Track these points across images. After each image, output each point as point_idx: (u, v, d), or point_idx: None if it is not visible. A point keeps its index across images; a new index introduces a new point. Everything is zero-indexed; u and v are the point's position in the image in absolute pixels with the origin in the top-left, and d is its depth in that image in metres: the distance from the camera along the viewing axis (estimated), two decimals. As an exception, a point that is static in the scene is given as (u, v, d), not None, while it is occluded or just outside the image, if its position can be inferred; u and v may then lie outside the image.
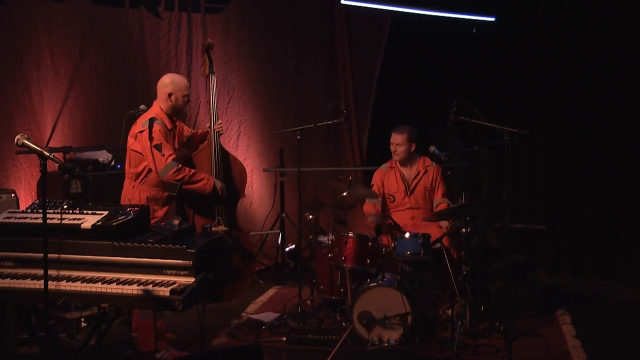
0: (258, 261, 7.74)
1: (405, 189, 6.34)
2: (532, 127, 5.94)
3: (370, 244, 5.78)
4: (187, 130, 5.74)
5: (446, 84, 7.88)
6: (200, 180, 5.31)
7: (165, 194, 5.24)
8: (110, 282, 3.61)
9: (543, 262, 7.67)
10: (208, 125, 5.75)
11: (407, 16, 8.24)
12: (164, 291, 3.48)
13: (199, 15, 7.76)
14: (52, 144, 6.71)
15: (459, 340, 5.25)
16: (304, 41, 8.55)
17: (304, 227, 6.54)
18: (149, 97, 5.41)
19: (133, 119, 5.17)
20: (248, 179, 7.94)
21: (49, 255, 3.46)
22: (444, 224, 6.13)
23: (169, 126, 5.26)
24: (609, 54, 7.27)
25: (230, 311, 6.22)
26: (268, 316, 6.04)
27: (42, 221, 3.44)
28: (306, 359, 5.30)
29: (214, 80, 5.82)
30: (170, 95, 5.25)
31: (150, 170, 5.17)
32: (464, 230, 5.54)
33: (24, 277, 3.74)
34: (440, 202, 6.34)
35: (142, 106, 5.06)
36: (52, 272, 3.63)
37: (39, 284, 3.57)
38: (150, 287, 3.52)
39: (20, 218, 3.95)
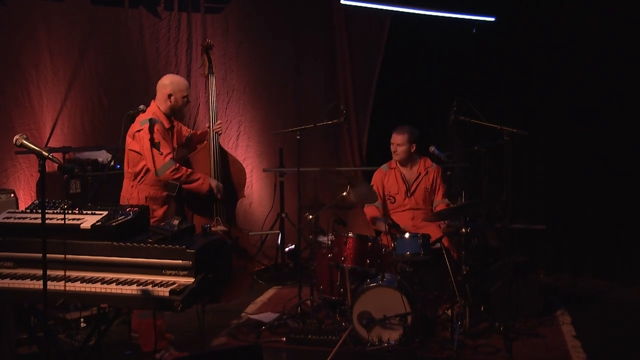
0: (258, 261, 7.73)
1: (406, 190, 6.33)
2: (532, 127, 5.93)
3: (370, 244, 5.78)
4: (186, 131, 5.74)
5: (446, 84, 7.87)
6: (197, 180, 5.32)
7: (164, 193, 5.24)
8: (109, 282, 3.61)
9: (543, 262, 7.66)
10: (207, 125, 5.75)
11: (406, 16, 8.23)
12: (164, 291, 3.48)
13: (199, 15, 7.75)
14: (51, 144, 6.70)
15: (458, 341, 5.25)
16: (303, 41, 8.54)
17: (303, 227, 6.54)
18: (149, 97, 5.41)
19: (132, 119, 5.17)
20: (248, 179, 7.95)
21: (48, 255, 3.45)
22: (443, 223, 6.13)
23: (167, 126, 5.27)
24: (608, 53, 7.26)
25: (229, 311, 6.22)
26: (268, 316, 6.04)
27: (41, 221, 3.43)
28: (306, 359, 5.29)
29: (213, 80, 5.82)
30: (169, 96, 5.25)
31: (148, 170, 5.17)
32: (463, 230, 5.54)
33: (23, 277, 3.74)
34: (439, 203, 6.33)
35: (141, 106, 5.06)
36: (52, 273, 3.62)
37: (38, 284, 3.57)
38: (149, 287, 3.52)
39: (19, 218, 3.95)
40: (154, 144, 5.07)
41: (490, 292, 5.99)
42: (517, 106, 7.66)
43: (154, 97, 5.37)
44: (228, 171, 5.76)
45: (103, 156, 6.45)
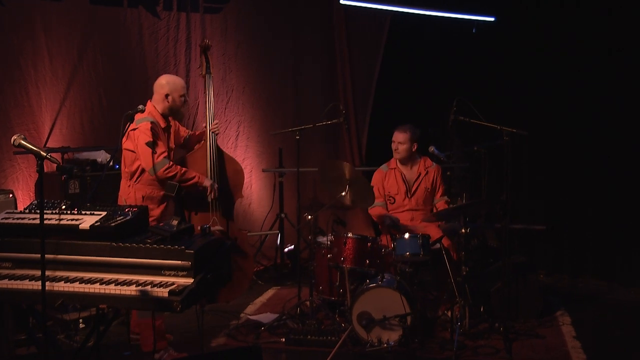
0: (257, 262, 7.72)
1: (406, 191, 6.32)
2: (531, 127, 5.92)
3: (369, 244, 5.77)
4: (184, 131, 5.74)
5: (446, 84, 7.86)
6: (192, 179, 5.32)
7: (162, 192, 5.25)
8: (108, 282, 3.59)
9: (543, 262, 7.65)
10: (204, 125, 5.75)
11: (406, 16, 8.22)
12: (163, 292, 3.46)
13: (198, 15, 7.75)
14: (50, 144, 6.70)
15: (458, 341, 5.24)
16: (303, 41, 8.54)
17: (303, 227, 6.53)
18: (148, 97, 5.40)
19: (131, 119, 5.16)
20: (247, 180, 7.94)
21: (47, 256, 3.44)
22: (442, 223, 6.14)
23: (163, 125, 5.26)
24: (608, 53, 7.26)
25: (229, 312, 6.21)
26: (267, 317, 6.03)
27: (40, 222, 3.42)
28: (305, 360, 5.29)
29: (210, 80, 5.83)
30: (167, 96, 5.25)
31: (144, 169, 5.16)
32: (463, 230, 5.53)
33: (21, 277, 3.72)
34: (439, 201, 6.34)
35: (140, 106, 5.04)
36: (50, 273, 3.62)
37: (37, 285, 3.55)
38: (148, 287, 3.51)
39: (18, 218, 3.93)
40: (148, 143, 5.07)
41: (490, 292, 5.99)
42: (517, 106, 7.65)
43: (152, 97, 5.36)
44: (225, 171, 5.76)
45: (102, 156, 6.44)
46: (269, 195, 8.23)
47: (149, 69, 7.30)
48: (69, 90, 6.92)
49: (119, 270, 3.68)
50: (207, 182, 5.48)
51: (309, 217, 5.80)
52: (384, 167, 6.48)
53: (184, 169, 5.32)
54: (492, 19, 8.09)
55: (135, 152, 5.15)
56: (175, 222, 3.87)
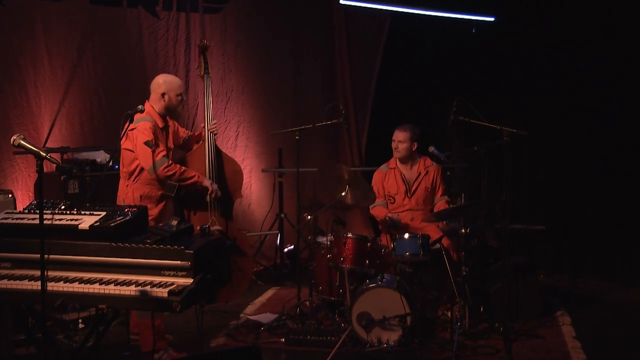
0: (256, 262, 7.72)
1: (406, 190, 6.31)
2: (532, 127, 5.92)
3: (369, 244, 5.76)
4: (183, 132, 5.74)
5: (445, 84, 7.86)
6: (191, 178, 5.32)
7: (160, 192, 5.25)
8: (108, 283, 3.59)
9: (543, 262, 7.64)
10: (202, 125, 5.75)
11: (406, 16, 8.22)
12: (162, 292, 3.46)
13: (197, 15, 7.75)
14: (49, 145, 6.69)
15: (458, 341, 5.23)
16: (302, 41, 8.54)
17: (302, 227, 6.52)
18: (147, 97, 5.39)
19: (130, 119, 5.16)
20: (246, 180, 7.94)
21: (46, 256, 3.43)
22: (442, 224, 6.13)
23: (160, 125, 5.26)
24: (608, 53, 7.25)
25: (228, 312, 6.20)
26: (267, 317, 6.02)
27: (39, 222, 3.41)
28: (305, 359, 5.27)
29: (209, 80, 5.83)
30: (163, 95, 5.26)
31: (143, 169, 5.16)
32: (463, 230, 5.52)
33: (21, 278, 3.71)
34: (439, 200, 6.33)
35: (139, 106, 5.03)
36: (50, 273, 3.61)
37: (36, 285, 3.54)
38: (148, 288, 3.50)
39: (17, 219, 3.92)
40: (147, 142, 5.07)
41: (490, 292, 5.98)
42: (516, 106, 7.64)
43: (149, 97, 5.36)
44: (224, 171, 5.76)
45: (101, 156, 6.43)
46: (268, 196, 8.23)
47: (149, 69, 7.30)
48: (68, 91, 6.92)
49: (119, 270, 3.67)
50: (207, 182, 5.47)
51: (309, 217, 5.80)
52: (383, 167, 6.48)
53: (183, 167, 5.32)
54: (492, 19, 8.09)
55: (133, 152, 5.15)
56: (174, 222, 3.86)
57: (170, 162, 5.21)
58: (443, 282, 5.91)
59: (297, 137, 6.11)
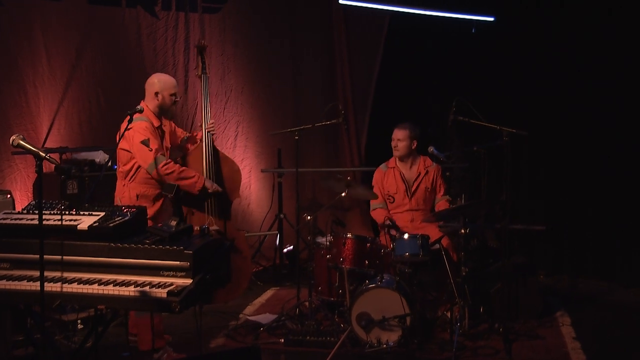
0: (256, 262, 7.72)
1: (406, 190, 6.30)
2: (532, 127, 5.91)
3: (368, 245, 5.75)
4: (180, 132, 5.74)
5: (445, 84, 7.85)
6: (191, 178, 5.31)
7: (157, 191, 5.24)
8: (107, 283, 3.58)
9: (543, 263, 7.63)
10: (200, 124, 5.74)
11: (405, 16, 8.22)
12: (161, 292, 3.46)
13: (196, 15, 7.74)
14: (48, 145, 6.68)
15: (458, 342, 5.22)
16: (302, 41, 8.53)
17: (302, 228, 6.51)
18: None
19: (130, 119, 5.15)
20: (246, 180, 7.93)
21: (45, 256, 3.42)
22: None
23: (156, 124, 5.25)
24: (609, 53, 7.25)
25: (227, 313, 6.19)
26: (266, 318, 6.01)
27: (38, 222, 3.40)
28: (304, 360, 5.27)
29: (206, 80, 5.83)
30: (157, 94, 5.26)
31: (139, 168, 5.17)
32: (463, 231, 5.51)
33: (19, 278, 3.71)
34: (440, 199, 6.33)
35: (139, 106, 5.04)
36: (48, 274, 3.60)
37: (35, 286, 3.54)
38: (147, 288, 3.50)
39: (16, 219, 3.92)
40: (143, 141, 5.07)
41: (490, 293, 5.97)
42: (516, 106, 7.64)
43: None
44: (221, 171, 5.75)
45: (100, 156, 6.42)
46: (268, 196, 8.22)
47: (148, 69, 7.27)
48: (67, 91, 6.90)
49: (118, 270, 3.67)
50: (208, 183, 5.47)
51: (308, 217, 5.79)
52: (383, 166, 6.47)
53: (182, 167, 5.32)
54: (491, 19, 8.08)
55: (130, 152, 5.15)
56: (173, 223, 3.86)
57: (169, 160, 5.21)
58: (443, 283, 5.91)
59: (296, 137, 6.10)
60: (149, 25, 7.41)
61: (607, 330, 5.90)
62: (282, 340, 5.48)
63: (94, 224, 3.75)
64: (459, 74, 7.94)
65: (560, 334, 5.74)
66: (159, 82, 5.29)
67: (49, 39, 6.78)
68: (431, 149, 5.98)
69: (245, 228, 7.66)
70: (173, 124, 5.62)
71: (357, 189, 5.94)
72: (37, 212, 3.43)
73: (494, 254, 6.93)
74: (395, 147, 6.31)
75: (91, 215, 3.86)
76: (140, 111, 4.92)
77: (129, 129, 5.09)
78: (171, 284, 3.51)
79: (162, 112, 5.32)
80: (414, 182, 6.31)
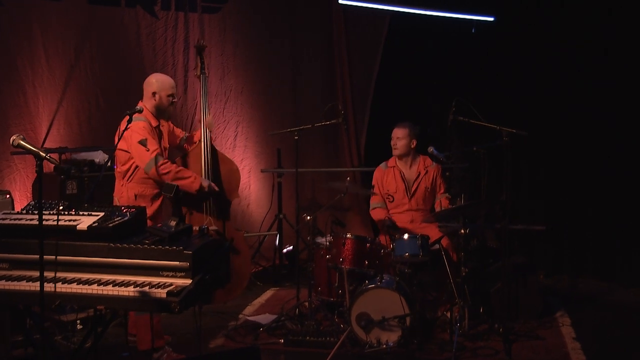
0: (255, 263, 7.71)
1: (405, 189, 6.30)
2: (532, 127, 5.91)
3: (368, 245, 5.75)
4: (180, 132, 5.73)
5: (445, 84, 7.85)
6: (188, 178, 5.30)
7: (155, 191, 5.24)
8: (106, 283, 3.57)
9: (543, 263, 7.63)
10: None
11: (405, 16, 8.21)
12: (161, 293, 3.45)
13: (196, 15, 7.73)
14: (47, 145, 6.68)
15: (457, 342, 5.22)
16: (301, 41, 8.52)
17: (301, 228, 6.51)
18: (145, 97, 5.39)
19: (129, 119, 5.14)
20: (245, 180, 7.93)
21: (45, 256, 3.41)
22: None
23: (154, 124, 5.24)
24: (609, 53, 7.25)
25: (227, 313, 6.19)
26: (265, 318, 6.01)
27: (37, 222, 3.39)
28: (304, 361, 5.27)
29: (205, 81, 5.84)
30: (154, 94, 5.25)
31: (137, 168, 5.17)
32: (462, 231, 5.51)
33: (19, 279, 3.70)
34: (441, 197, 6.33)
35: (138, 106, 5.04)
36: (48, 274, 3.58)
37: (34, 286, 3.53)
38: (146, 288, 3.49)
39: (15, 219, 3.91)
40: (140, 141, 5.07)
41: (490, 293, 5.97)
42: (516, 106, 7.63)
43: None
44: (219, 171, 5.75)
45: (100, 157, 6.41)
46: (267, 196, 8.21)
47: (147, 69, 7.26)
48: (66, 91, 6.89)
49: (117, 271, 3.66)
50: (205, 183, 5.46)
51: (308, 217, 5.78)
52: (383, 165, 6.47)
53: (179, 167, 5.32)
54: (491, 19, 8.08)
55: (128, 152, 5.14)
56: (173, 223, 3.86)
57: (166, 160, 5.19)
58: (442, 283, 5.91)
59: (296, 137, 6.10)
60: (149, 25, 7.41)
61: (607, 330, 5.90)
62: (282, 341, 5.48)
63: (94, 224, 3.74)
64: (459, 74, 7.93)
65: (560, 334, 5.74)
66: (156, 82, 5.28)
67: (48, 39, 6.78)
68: (431, 149, 5.98)
69: (245, 228, 7.66)
70: (171, 124, 5.62)
71: (356, 189, 5.92)
72: (36, 212, 3.42)
73: (493, 254, 6.93)
74: (394, 145, 6.30)
75: (90, 215, 3.86)
76: (140, 111, 4.92)
77: (126, 129, 5.08)
78: (171, 284, 3.51)
79: (159, 112, 5.31)
80: (413, 181, 6.30)
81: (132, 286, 3.52)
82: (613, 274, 7.32)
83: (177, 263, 3.56)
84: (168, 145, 5.48)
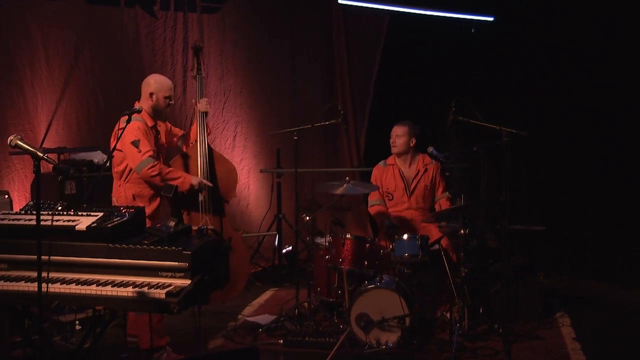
0: (255, 263, 7.71)
1: (405, 188, 6.30)
2: (532, 127, 5.90)
3: (367, 245, 5.74)
4: (177, 131, 5.73)
5: (444, 84, 7.85)
6: (177, 178, 5.27)
7: (153, 190, 5.22)
8: (105, 284, 3.56)
9: (542, 263, 7.62)
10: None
11: (405, 16, 8.20)
12: (160, 293, 3.44)
13: (195, 14, 7.72)
14: (46, 145, 6.67)
15: (457, 343, 5.21)
16: (301, 41, 8.51)
17: (301, 228, 6.50)
18: (145, 98, 5.38)
19: (128, 119, 5.13)
20: (245, 180, 7.92)
21: (43, 257, 3.40)
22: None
23: (150, 124, 5.23)
24: (608, 53, 7.24)
25: (226, 313, 6.18)
26: (265, 318, 6.00)
27: (36, 223, 3.38)
28: (303, 362, 5.26)
29: (201, 81, 5.87)
30: (151, 94, 5.25)
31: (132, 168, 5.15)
32: (462, 231, 5.50)
33: (17, 279, 3.68)
34: (441, 197, 6.32)
35: (137, 107, 5.03)
36: (46, 274, 3.58)
37: (33, 287, 3.52)
38: (145, 289, 3.48)
39: (13, 220, 3.90)
40: (133, 142, 5.06)
41: (489, 294, 5.96)
42: (516, 106, 7.63)
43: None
44: (216, 171, 5.74)
45: (98, 157, 6.40)
46: (266, 196, 8.20)
47: (146, 69, 7.26)
48: (65, 91, 6.88)
49: (116, 271, 3.65)
50: (195, 181, 5.41)
51: (307, 218, 5.77)
52: (382, 163, 6.46)
53: (169, 168, 5.29)
54: (491, 19, 8.07)
55: (123, 152, 5.13)
56: (172, 223, 3.84)
57: (156, 162, 5.14)
58: (442, 283, 5.89)
59: (295, 138, 6.09)
60: (148, 25, 7.40)
61: (607, 330, 5.90)
62: (281, 341, 5.47)
63: (92, 225, 3.73)
64: (459, 74, 7.93)
65: (560, 334, 5.73)
66: (154, 83, 5.28)
67: (47, 38, 6.77)
68: (431, 149, 5.97)
69: (244, 228, 7.65)
70: (169, 124, 5.60)
71: (356, 188, 5.91)
72: (34, 212, 3.41)
73: (493, 254, 6.92)
74: (393, 143, 6.30)
75: (89, 215, 3.84)
76: (139, 111, 4.91)
77: (122, 129, 5.07)
78: (170, 285, 3.50)
79: (156, 113, 5.30)
80: (412, 180, 6.30)
81: (131, 287, 3.51)
82: (613, 274, 7.32)
83: (176, 263, 3.55)
84: (165, 144, 5.46)
